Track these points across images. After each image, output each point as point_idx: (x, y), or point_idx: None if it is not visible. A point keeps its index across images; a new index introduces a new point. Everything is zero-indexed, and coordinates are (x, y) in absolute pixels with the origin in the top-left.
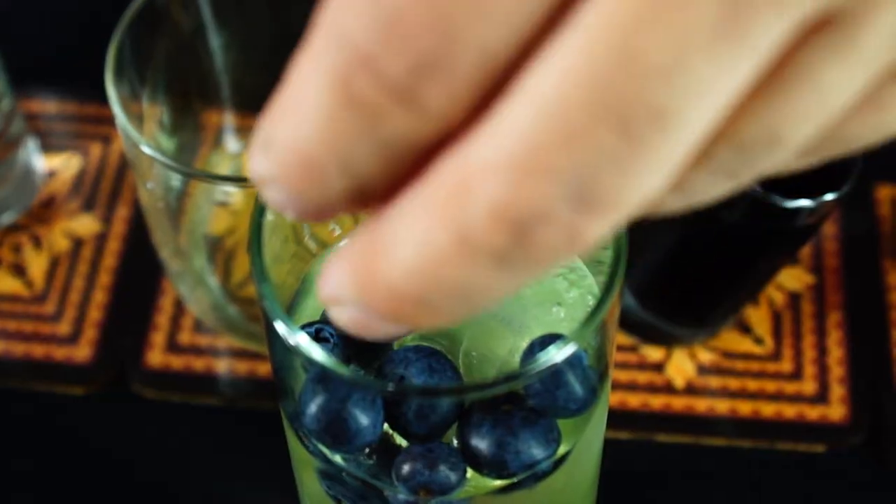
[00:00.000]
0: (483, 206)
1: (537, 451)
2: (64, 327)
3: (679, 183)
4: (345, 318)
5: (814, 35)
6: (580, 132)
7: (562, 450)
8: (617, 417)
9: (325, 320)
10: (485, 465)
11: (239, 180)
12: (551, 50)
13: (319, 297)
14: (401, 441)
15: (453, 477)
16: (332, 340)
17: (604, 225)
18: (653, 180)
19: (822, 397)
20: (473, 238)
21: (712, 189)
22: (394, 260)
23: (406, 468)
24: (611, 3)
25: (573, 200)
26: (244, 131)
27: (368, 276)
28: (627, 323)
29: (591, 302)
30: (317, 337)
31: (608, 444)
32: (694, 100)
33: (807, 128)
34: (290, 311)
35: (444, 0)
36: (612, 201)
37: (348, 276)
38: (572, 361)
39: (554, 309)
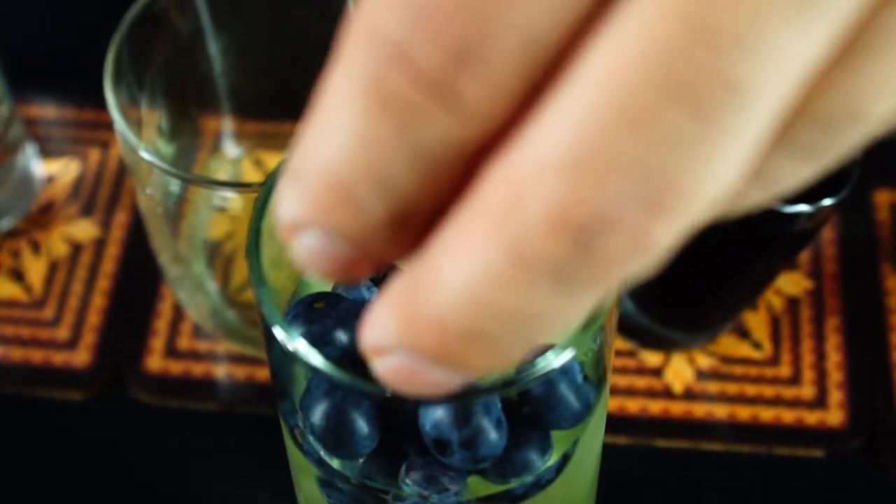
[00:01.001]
0: (539, 213)
1: (536, 458)
2: (62, 332)
3: (758, 171)
4: (389, 368)
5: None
6: (646, 115)
7: (561, 455)
8: (615, 422)
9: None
10: (486, 473)
11: (238, 185)
12: (606, 29)
13: (361, 349)
14: (399, 446)
15: (454, 487)
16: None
17: (675, 226)
18: (729, 167)
19: (820, 402)
20: (529, 252)
21: (793, 174)
22: (440, 288)
23: (408, 479)
24: None
25: (641, 198)
26: (243, 136)
27: (413, 312)
28: (626, 328)
29: None
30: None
31: (607, 449)
32: (771, 70)
33: (890, 99)
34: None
35: None
36: (686, 196)
37: (390, 315)
38: (568, 370)
39: None
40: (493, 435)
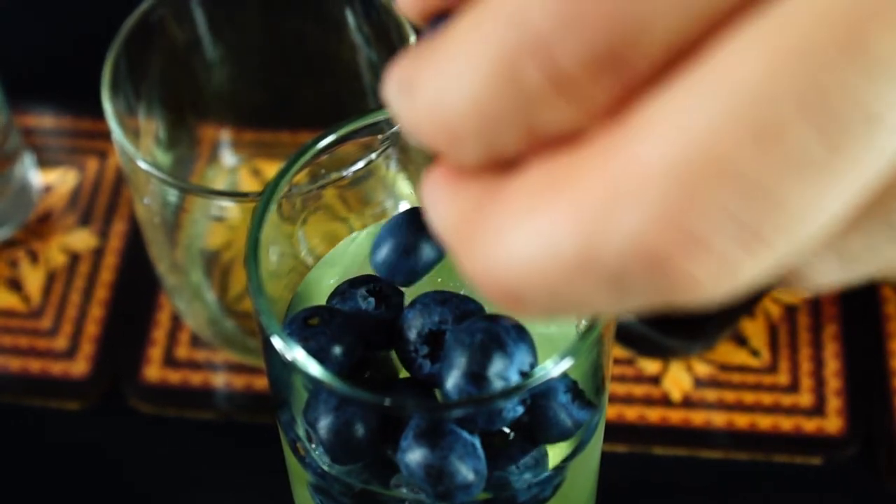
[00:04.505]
0: (628, 227)
1: (528, 475)
2: (61, 342)
3: (837, 242)
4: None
5: None
6: (777, 128)
7: (559, 462)
8: (614, 430)
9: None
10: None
11: (235, 195)
12: (743, 30)
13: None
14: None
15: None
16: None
17: (764, 262)
18: (837, 205)
19: (818, 409)
20: (602, 261)
21: (873, 257)
22: (505, 244)
23: (400, 489)
24: None
25: (741, 224)
26: (240, 145)
27: (473, 247)
28: (623, 336)
29: None
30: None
31: (605, 457)
32: None
33: None
34: None
35: None
36: (788, 225)
37: (447, 208)
38: (566, 381)
39: None
40: (469, 479)
